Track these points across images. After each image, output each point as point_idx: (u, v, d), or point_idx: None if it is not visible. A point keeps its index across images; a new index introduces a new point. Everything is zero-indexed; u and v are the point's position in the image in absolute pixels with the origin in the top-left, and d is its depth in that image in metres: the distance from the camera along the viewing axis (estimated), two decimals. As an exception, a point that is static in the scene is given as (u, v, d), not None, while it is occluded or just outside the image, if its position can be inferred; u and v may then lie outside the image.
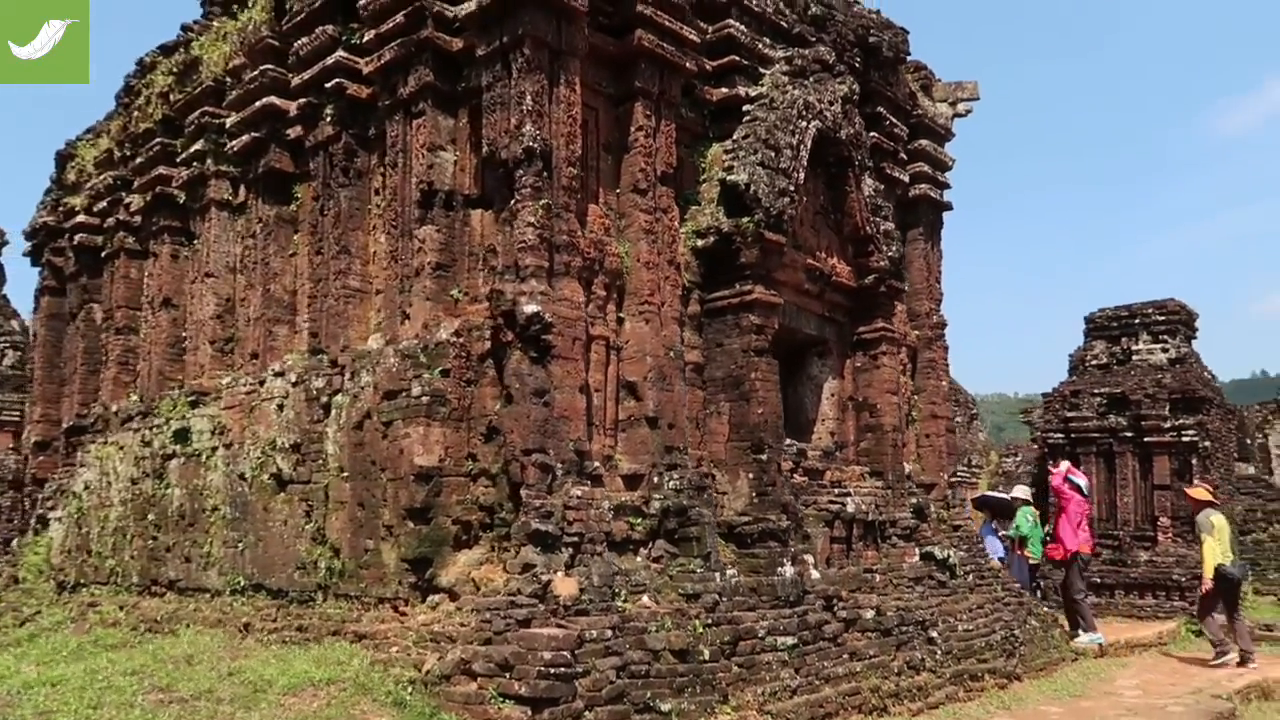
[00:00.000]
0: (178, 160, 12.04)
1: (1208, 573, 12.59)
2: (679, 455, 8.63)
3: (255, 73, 10.55)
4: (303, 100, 9.97)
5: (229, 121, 11.09)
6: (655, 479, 8.38)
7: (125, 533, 11.33)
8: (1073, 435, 18.26)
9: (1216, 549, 12.59)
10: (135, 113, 12.88)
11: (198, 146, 11.56)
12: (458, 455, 8.05)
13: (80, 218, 14.09)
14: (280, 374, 9.60)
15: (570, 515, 7.35)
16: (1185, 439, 17.13)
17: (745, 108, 9.80)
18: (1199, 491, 13.50)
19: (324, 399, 8.88)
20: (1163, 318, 18.44)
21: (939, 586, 11.01)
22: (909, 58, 12.74)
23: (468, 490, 8.02)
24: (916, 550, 10.92)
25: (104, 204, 13.59)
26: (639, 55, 8.85)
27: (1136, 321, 18.67)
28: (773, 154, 9.49)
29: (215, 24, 12.04)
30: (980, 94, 14.03)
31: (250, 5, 11.11)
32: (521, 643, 6.50)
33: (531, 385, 7.53)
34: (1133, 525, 17.73)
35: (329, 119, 9.73)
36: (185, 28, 12.69)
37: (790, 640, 8.16)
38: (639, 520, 8.16)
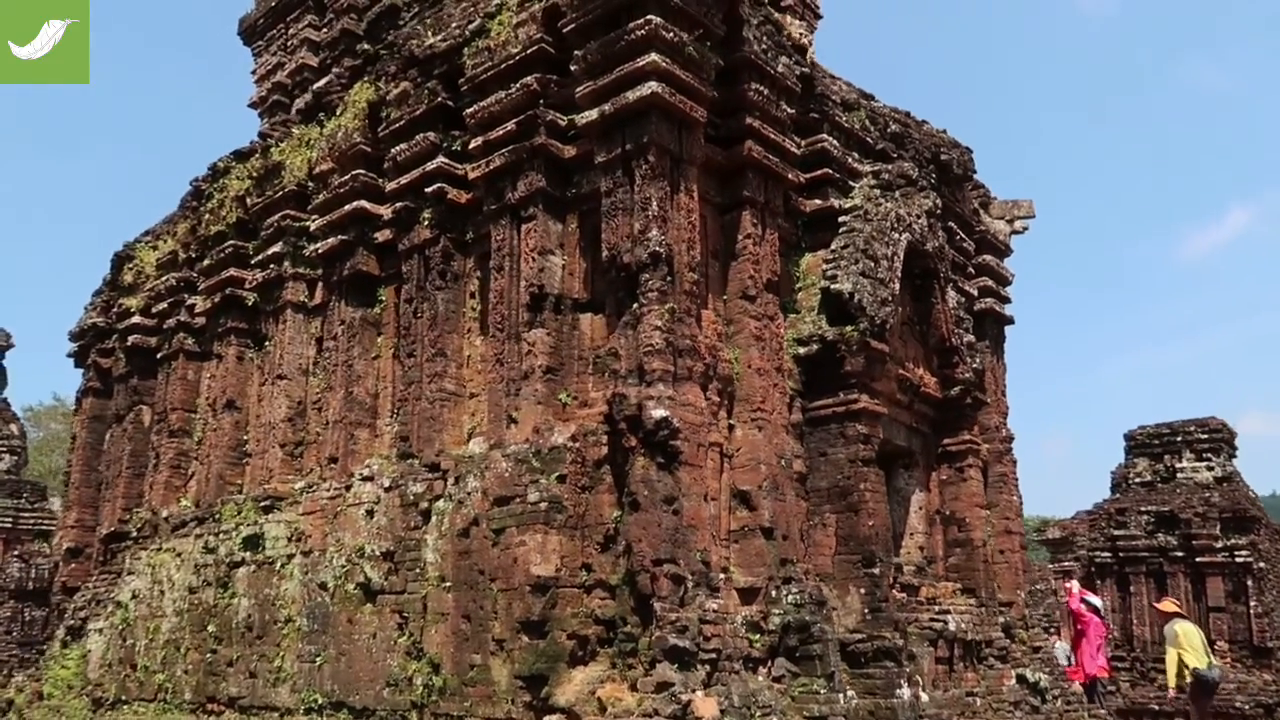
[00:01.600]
0: (251, 263, 12.01)
1: (1171, 680, 12.67)
2: (793, 568, 8.33)
3: (346, 177, 10.62)
4: (398, 205, 10.00)
5: (312, 225, 11.11)
6: (772, 593, 8.07)
7: (180, 645, 10.77)
8: (1121, 554, 17.98)
9: (1188, 656, 12.63)
10: (206, 215, 12.91)
11: (275, 249, 11.54)
12: (572, 565, 7.73)
13: (136, 319, 13.96)
14: (369, 478, 9.31)
15: (707, 630, 7.02)
16: (1239, 559, 16.87)
17: (841, 219, 9.88)
18: (1167, 605, 13.95)
19: (423, 505, 8.58)
20: (1205, 435, 18.46)
21: (1033, 711, 10.55)
22: (974, 175, 13.02)
23: (582, 602, 7.67)
24: (1012, 672, 10.50)
25: (164, 305, 13.49)
26: (747, 165, 8.97)
27: (1179, 439, 18.68)
28: (872, 264, 9.53)
29: (297, 131, 12.22)
30: (1035, 212, 14.32)
31: (339, 114, 11.28)
32: (669, 769, 6.08)
33: (661, 492, 7.30)
34: (1188, 648, 17.23)
35: (426, 222, 9.75)
36: (263, 135, 12.87)
37: (917, 768, 7.71)
38: (758, 636, 7.81)
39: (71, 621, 13.32)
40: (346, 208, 10.58)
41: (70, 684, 12.48)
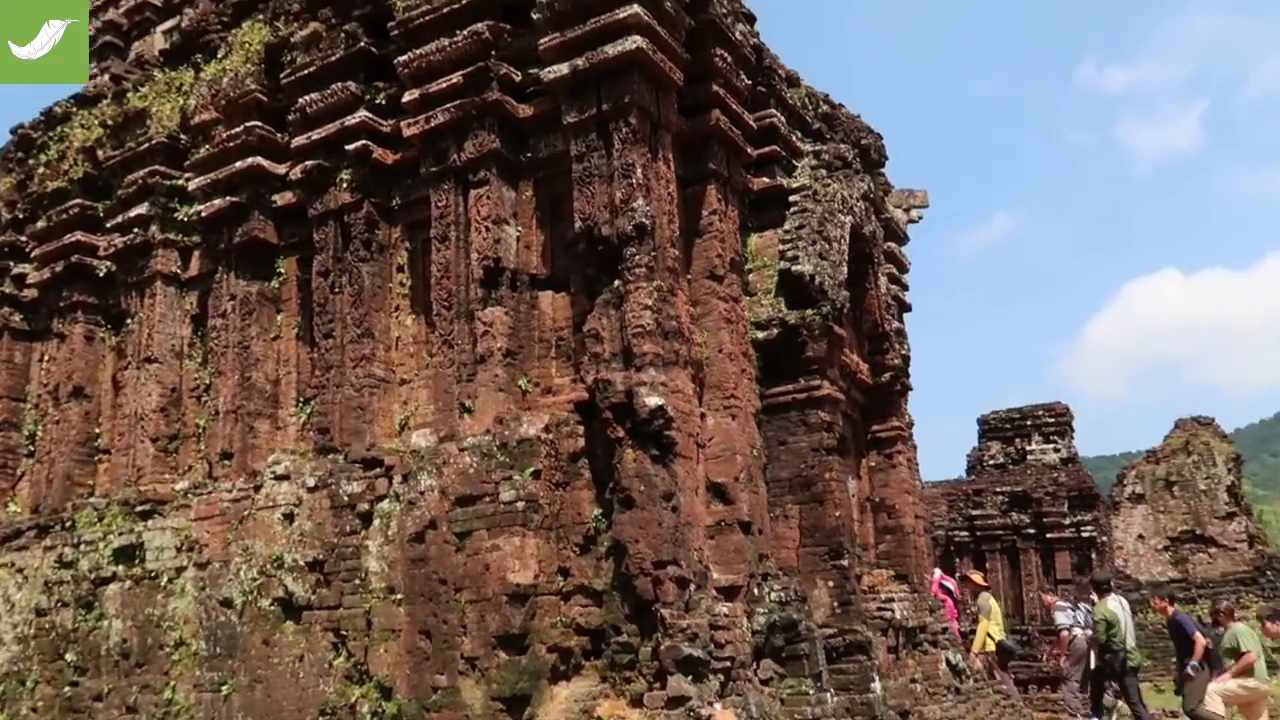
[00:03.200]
0: (108, 226, 10.27)
1: (977, 647, 13.30)
2: (768, 564, 7.90)
3: (237, 129, 9.21)
4: (308, 163, 8.75)
5: (190, 184, 9.59)
6: (754, 590, 7.59)
7: (24, 679, 9.06)
8: (978, 533, 18.84)
9: (994, 629, 13.65)
10: (40, 170, 10.97)
11: (139, 210, 9.90)
12: (549, 570, 6.95)
13: (-60, 289, 11.70)
14: (283, 476, 8.08)
15: (720, 636, 6.44)
16: (1084, 534, 18.05)
17: (791, 198, 9.51)
18: (978, 578, 15.00)
19: (361, 506, 7.50)
20: (1052, 419, 19.68)
21: (957, 693, 10.68)
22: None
23: (560, 611, 6.90)
24: (943, 655, 10.57)
25: (-19, 274, 11.37)
26: (712, 136, 8.41)
27: (1028, 423, 19.82)
28: (826, 246, 9.23)
29: (160, 75, 10.55)
30: (930, 201, 14.60)
31: (221, 57, 9.79)
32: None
33: (660, 488, 6.64)
34: (1039, 620, 18.34)
35: (345, 184, 8.57)
36: (116, 78, 11.05)
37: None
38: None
39: None
40: (238, 165, 9.18)
41: None
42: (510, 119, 7.95)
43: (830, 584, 8.37)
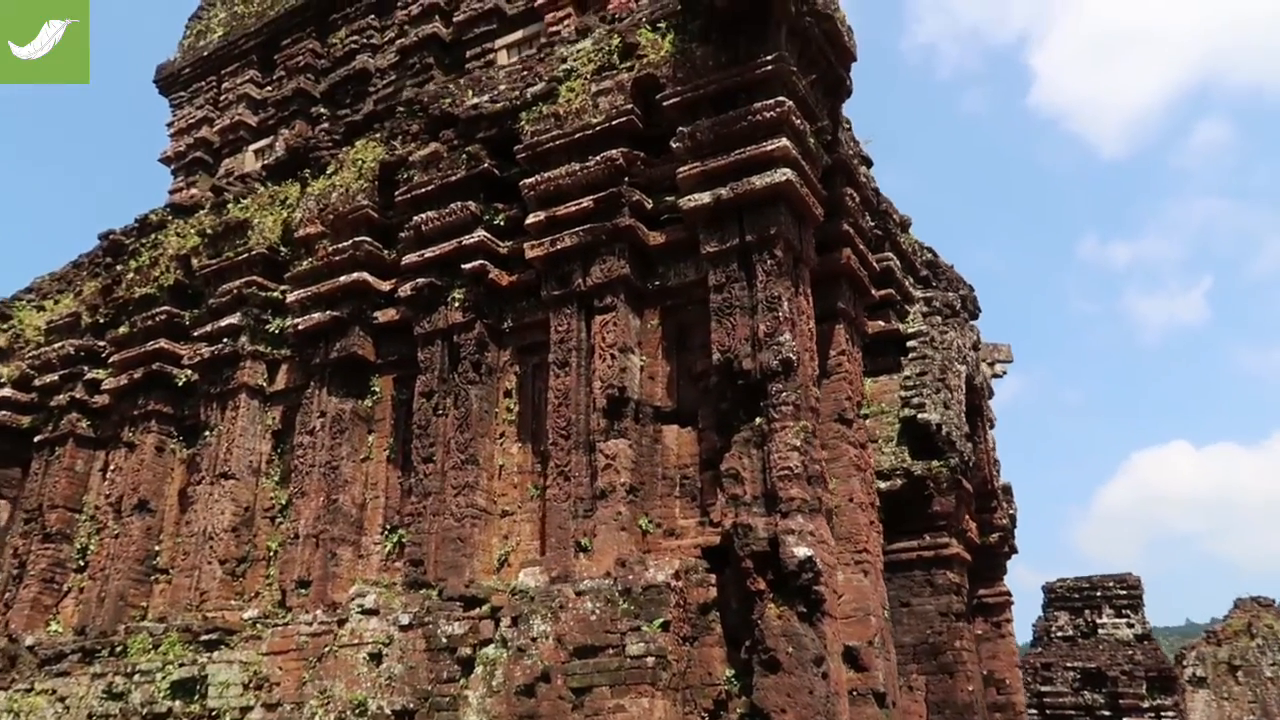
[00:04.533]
0: (195, 335, 9.96)
1: None
2: (902, 742, 7.09)
3: (344, 244, 9.01)
4: (419, 281, 8.47)
5: (288, 297, 9.32)
6: (893, 773, 6.76)
7: (52, 825, 8.13)
8: (1048, 712, 17.58)
9: None
10: (130, 275, 10.77)
11: (231, 320, 9.61)
12: (673, 737, 6.19)
13: (6, 391, 11.36)
14: (371, 611, 7.42)
15: (882, 831, 5.62)
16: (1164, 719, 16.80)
17: (910, 344, 9.15)
18: None
19: (462, 651, 6.81)
20: (1124, 591, 18.69)
21: None
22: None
23: (683, 787, 6.11)
24: None
25: (52, 377, 11.04)
26: (842, 275, 8.13)
27: (1098, 594, 18.81)
28: (949, 394, 8.79)
29: (263, 189, 10.48)
30: (1014, 357, 14.24)
31: (331, 174, 9.70)
32: None
33: (811, 651, 5.97)
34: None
35: (457, 304, 8.26)
36: (217, 189, 11.00)
37: None
38: (884, 830, 6.46)
39: None
40: (342, 279, 8.92)
41: None
42: (639, 245, 7.69)
43: (964, 769, 7.50)
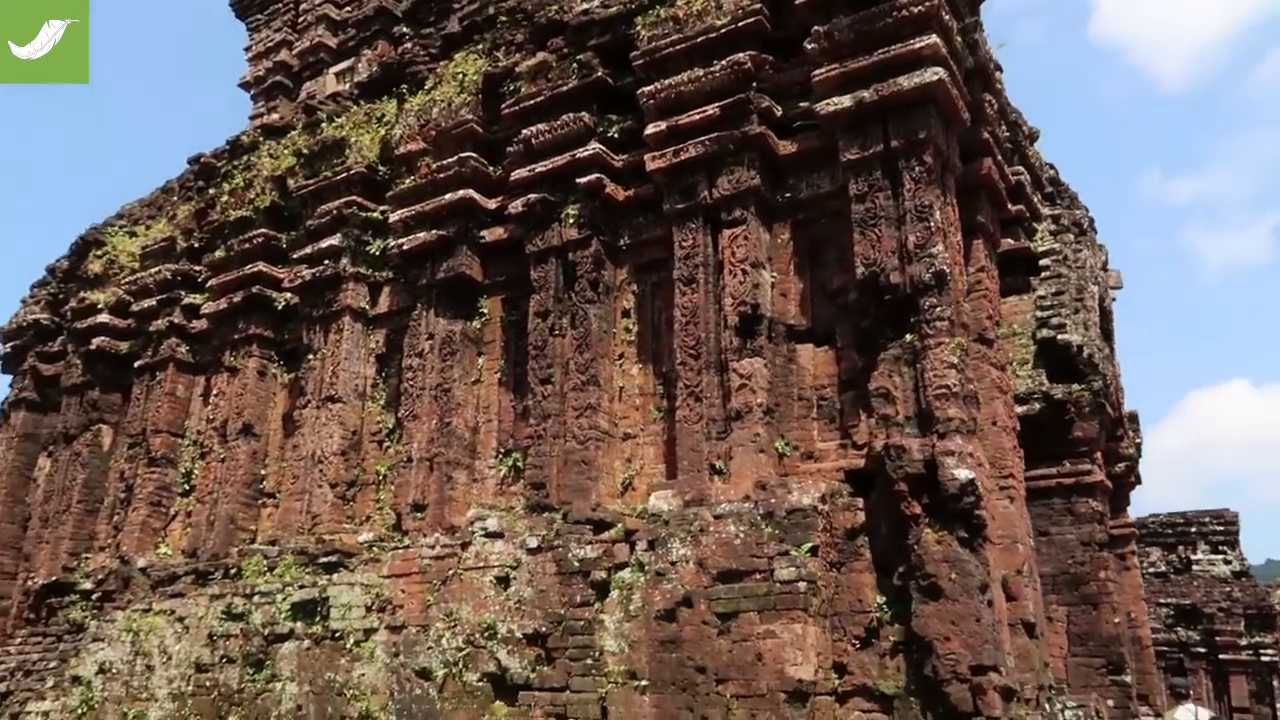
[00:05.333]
0: (294, 258, 9.77)
1: None
2: (1049, 673, 6.79)
3: (449, 160, 8.68)
4: (530, 197, 8.13)
5: (391, 216, 9.05)
6: (1045, 705, 6.47)
7: (178, 740, 8.22)
8: (1139, 647, 17.17)
9: None
10: (224, 198, 10.58)
11: (331, 242, 9.38)
12: (824, 666, 5.95)
13: (104, 317, 11.35)
14: (496, 534, 7.26)
15: (1057, 764, 5.36)
16: (1264, 658, 16.34)
17: (1042, 262, 8.64)
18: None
19: (596, 574, 6.61)
20: (1220, 527, 18.12)
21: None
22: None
23: (833, 715, 5.88)
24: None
25: (149, 303, 10.96)
26: (981, 186, 7.62)
27: (1193, 530, 18.25)
28: (1088, 315, 8.30)
29: (356, 107, 10.16)
30: (1123, 283, 13.59)
31: (429, 89, 9.34)
32: None
33: (977, 577, 5.65)
34: (1209, 751, 16.53)
35: (572, 220, 7.92)
36: (309, 108, 10.71)
37: None
38: (1039, 763, 6.19)
39: (-16, 696, 10.34)
40: (448, 197, 8.62)
41: (-16, 781, 9.56)
42: (769, 155, 7.25)
43: (1110, 703, 7.20)
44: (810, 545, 6.03)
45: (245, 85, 14.90)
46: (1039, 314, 8.22)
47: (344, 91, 10.92)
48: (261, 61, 14.82)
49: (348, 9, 14.20)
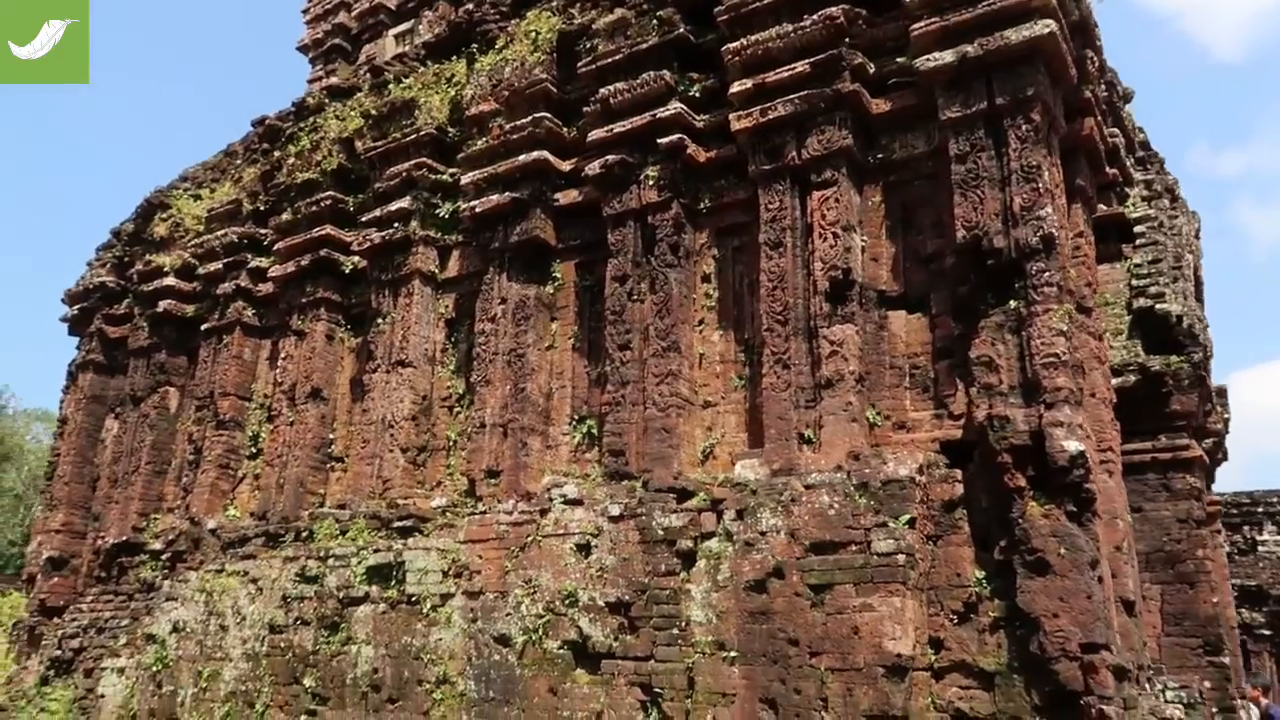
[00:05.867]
0: (363, 220, 9.67)
1: None
2: (1147, 652, 6.56)
3: (522, 121, 8.50)
4: (608, 158, 7.92)
5: (463, 178, 8.90)
6: (1144, 686, 6.26)
7: (253, 700, 8.27)
8: (1201, 628, 16.79)
9: None
10: (291, 160, 10.50)
11: (401, 204, 9.26)
12: (920, 640, 5.78)
13: (169, 280, 11.36)
14: (575, 501, 7.14)
15: (1175, 748, 5.16)
16: (1332, 641, 15.91)
17: (1137, 229, 8.30)
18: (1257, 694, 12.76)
19: (682, 543, 6.48)
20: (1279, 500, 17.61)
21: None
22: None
23: (929, 691, 5.72)
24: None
25: (216, 266, 10.95)
26: (1080, 148, 7.29)
27: (1260, 510, 17.78)
28: (1185, 284, 7.97)
29: (424, 68, 9.99)
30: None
31: (500, 48, 9.15)
32: None
33: (1087, 553, 5.44)
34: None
35: (651, 182, 7.72)
36: (376, 69, 10.57)
37: None
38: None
39: (58, 652, 10.51)
40: (521, 159, 8.45)
41: (60, 735, 9.72)
42: (861, 114, 6.98)
43: (1208, 685, 6.96)
44: (908, 517, 5.84)
45: (303, 48, 14.81)
46: (1135, 283, 7.91)
47: (409, 52, 10.75)
48: (320, 24, 14.70)
49: (408, -30, 14.01)
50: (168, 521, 10.64)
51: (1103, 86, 7.84)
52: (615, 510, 6.85)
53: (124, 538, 10.74)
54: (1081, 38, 7.23)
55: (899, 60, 6.89)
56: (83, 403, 12.27)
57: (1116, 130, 8.50)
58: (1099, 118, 7.50)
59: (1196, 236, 9.40)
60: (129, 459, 11.28)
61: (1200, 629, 7.13)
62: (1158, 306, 7.62)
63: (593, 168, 8.03)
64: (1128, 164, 8.79)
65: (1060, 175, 6.60)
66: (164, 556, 10.16)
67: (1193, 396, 7.54)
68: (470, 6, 10.04)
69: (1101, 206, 8.39)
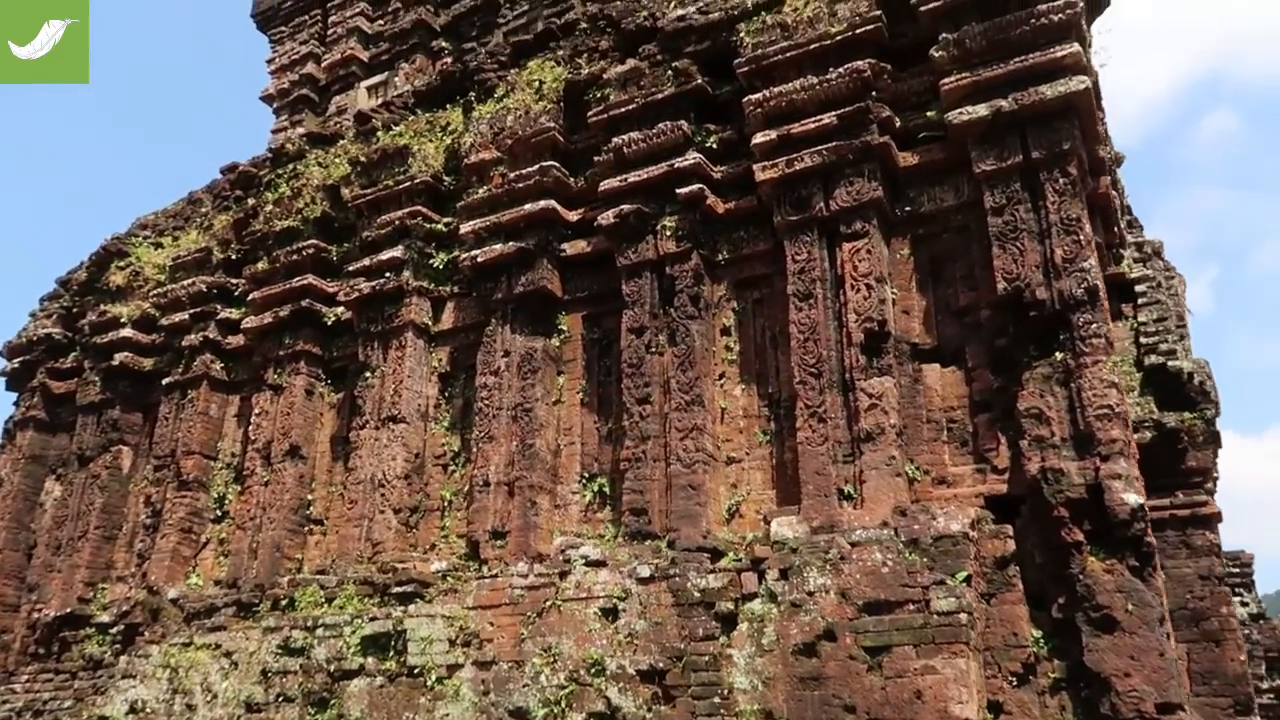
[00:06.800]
0: (350, 270, 9.25)
1: None
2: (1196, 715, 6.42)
3: (529, 169, 8.29)
4: (622, 208, 7.74)
5: (464, 227, 8.60)
6: (1196, 750, 6.10)
7: (226, 788, 7.52)
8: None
9: None
10: (268, 208, 10.05)
11: (393, 254, 8.89)
12: (980, 704, 5.53)
13: (127, 332, 10.69)
14: (598, 563, 6.75)
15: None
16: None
17: (1139, 288, 8.44)
18: None
19: (721, 606, 6.14)
20: (1236, 569, 17.95)
21: None
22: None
23: (992, 759, 5.46)
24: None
25: (181, 316, 10.35)
26: (1096, 205, 7.36)
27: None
28: (1188, 342, 8.08)
29: (415, 116, 9.74)
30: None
31: (500, 96, 8.96)
32: None
33: (1156, 609, 5.30)
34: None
35: (669, 233, 7.55)
36: (362, 116, 10.27)
37: None
38: (1196, 811, 5.81)
39: (-13, 739, 9.51)
40: (527, 208, 8.21)
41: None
42: (889, 167, 6.96)
43: (1242, 746, 6.85)
44: (965, 574, 5.63)
45: (268, 98, 14.41)
46: (1143, 340, 8.00)
47: (395, 100, 10.47)
48: (286, 74, 14.35)
49: (380, 22, 13.83)
50: (119, 591, 9.82)
51: (1108, 146, 8.02)
52: (645, 571, 6.48)
53: (68, 609, 9.87)
54: (1096, 95, 7.40)
55: (928, 114, 6.91)
56: (20, 463, 11.37)
57: (1114, 192, 8.71)
58: (1112, 176, 7.64)
59: (1182, 295, 9.63)
60: (75, 523, 10.43)
61: (1229, 688, 7.06)
62: (1169, 363, 7.71)
63: (606, 217, 7.82)
64: (1121, 225, 8.99)
65: (1093, 229, 6.64)
66: (114, 630, 9.34)
67: (1207, 452, 7.60)
68: (466, 56, 9.87)
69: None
